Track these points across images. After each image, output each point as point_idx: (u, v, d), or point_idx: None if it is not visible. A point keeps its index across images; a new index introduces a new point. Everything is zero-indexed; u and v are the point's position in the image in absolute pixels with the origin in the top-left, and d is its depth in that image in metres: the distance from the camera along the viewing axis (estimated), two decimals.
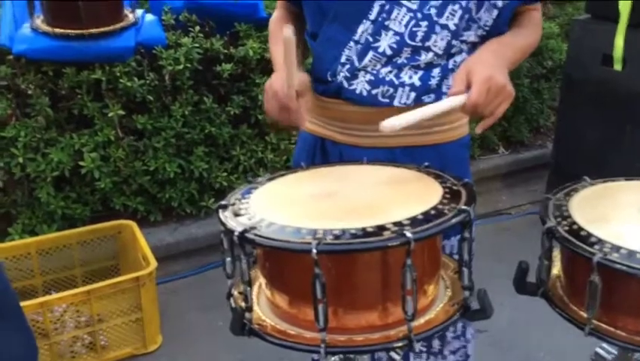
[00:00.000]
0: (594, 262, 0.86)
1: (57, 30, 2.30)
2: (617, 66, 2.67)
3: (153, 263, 2.20)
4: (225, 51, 2.71)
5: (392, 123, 0.99)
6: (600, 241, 0.89)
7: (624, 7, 2.58)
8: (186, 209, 2.79)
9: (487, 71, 1.05)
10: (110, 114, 2.51)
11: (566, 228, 0.94)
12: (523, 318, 2.24)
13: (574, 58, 2.95)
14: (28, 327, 1.38)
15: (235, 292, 0.96)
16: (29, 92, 2.45)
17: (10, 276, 2.21)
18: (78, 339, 2.14)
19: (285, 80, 1.11)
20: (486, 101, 1.04)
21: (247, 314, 0.90)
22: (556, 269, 1.03)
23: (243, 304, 0.91)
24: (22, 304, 1.64)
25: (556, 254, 1.02)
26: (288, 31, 1.04)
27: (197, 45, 2.62)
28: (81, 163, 2.49)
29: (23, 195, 2.52)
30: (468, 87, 1.05)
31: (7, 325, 1.27)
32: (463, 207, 0.88)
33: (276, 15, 1.39)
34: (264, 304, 0.95)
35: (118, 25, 2.39)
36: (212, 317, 2.34)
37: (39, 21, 2.35)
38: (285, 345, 0.87)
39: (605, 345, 1.09)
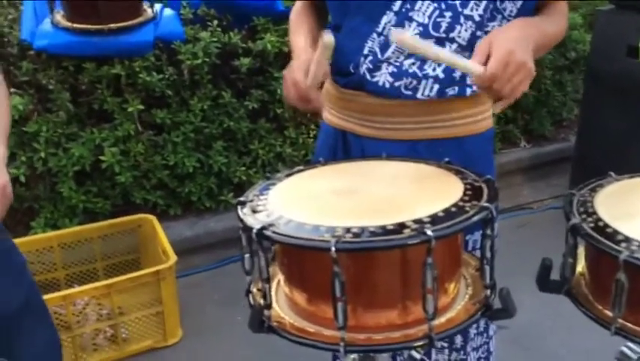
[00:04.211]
0: (621, 260, 0.83)
1: (77, 25, 2.32)
2: None
3: (173, 257, 2.21)
4: (243, 45, 2.70)
5: (401, 36, 0.96)
6: (627, 239, 0.86)
7: None
8: (205, 203, 2.80)
9: (509, 44, 0.99)
10: (130, 109, 2.53)
11: (592, 225, 0.91)
12: (545, 315, 2.21)
13: (598, 49, 2.88)
14: (52, 322, 1.40)
15: (254, 289, 0.95)
16: (50, 87, 2.47)
17: (33, 269, 2.25)
18: (100, 332, 2.17)
19: (307, 72, 1.10)
20: (504, 76, 0.98)
21: (266, 311, 0.90)
22: (581, 267, 1.01)
23: (261, 301, 0.90)
24: (45, 297, 1.67)
25: (581, 251, 1.00)
26: (329, 36, 1.05)
27: (215, 39, 2.62)
28: (101, 158, 2.51)
29: (45, 189, 2.55)
30: (488, 59, 0.99)
31: (32, 319, 1.29)
32: (485, 204, 0.86)
33: (298, 5, 1.38)
34: (283, 302, 0.95)
35: (137, 20, 2.40)
36: (231, 311, 2.35)
37: (59, 16, 2.37)
38: (304, 343, 0.86)
39: (630, 344, 1.06)
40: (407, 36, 0.97)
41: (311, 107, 1.14)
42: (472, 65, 1.00)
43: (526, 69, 1.00)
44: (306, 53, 1.19)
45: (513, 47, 0.99)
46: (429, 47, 0.98)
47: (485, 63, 0.99)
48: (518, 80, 0.99)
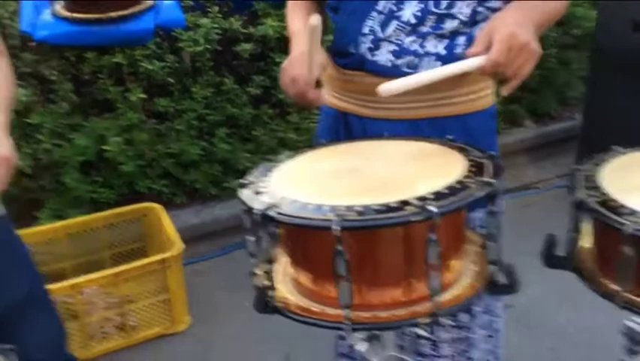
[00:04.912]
0: (626, 233, 0.83)
1: (77, 15, 2.30)
2: None
3: (179, 245, 2.22)
4: (244, 31, 2.69)
5: (389, 87, 0.96)
6: (633, 212, 0.85)
7: None
8: (210, 191, 2.80)
9: (509, 28, 0.98)
10: (132, 98, 2.52)
11: (597, 199, 0.90)
12: (550, 293, 2.21)
13: (603, 26, 2.84)
14: (56, 312, 1.41)
15: (258, 271, 0.95)
16: (52, 78, 2.47)
17: (40, 260, 2.25)
18: (108, 320, 2.18)
19: (305, 66, 1.09)
20: (507, 60, 0.97)
21: (270, 292, 0.90)
22: (586, 242, 1.00)
23: (266, 282, 0.90)
24: (53, 286, 1.68)
25: (586, 226, 0.99)
26: (315, 19, 1.03)
27: (216, 25, 2.61)
28: (105, 147, 2.51)
29: (50, 180, 2.56)
30: (489, 47, 0.99)
31: (35, 309, 1.29)
32: (489, 179, 0.86)
33: None
34: (287, 282, 0.95)
35: (137, 9, 2.37)
36: (238, 297, 2.36)
37: (59, 6, 2.36)
38: (309, 322, 0.86)
39: (636, 318, 1.06)
40: (395, 83, 0.97)
41: (310, 103, 1.13)
42: (471, 62, 1.00)
43: (530, 50, 0.99)
44: (304, 41, 1.16)
45: (514, 29, 0.98)
46: (422, 76, 0.98)
47: (485, 51, 0.98)
48: (521, 61, 0.98)
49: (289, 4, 1.35)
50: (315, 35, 1.06)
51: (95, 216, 2.46)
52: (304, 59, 1.11)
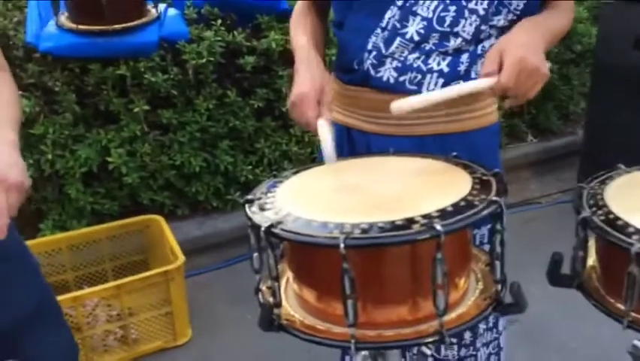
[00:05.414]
0: (633, 253, 0.82)
1: (81, 27, 2.32)
2: None
3: (181, 257, 2.22)
4: (248, 44, 2.70)
5: (400, 105, 0.97)
6: (638, 231, 0.85)
7: None
8: (213, 203, 2.80)
9: (520, 51, 1.00)
10: (136, 110, 2.53)
11: (602, 217, 0.90)
12: (555, 309, 2.20)
13: (604, 42, 2.86)
14: (67, 325, 1.40)
15: (263, 287, 0.95)
16: (56, 89, 2.48)
17: (43, 271, 2.25)
18: (110, 333, 2.17)
19: (314, 107, 1.11)
20: (517, 84, 1.00)
21: (275, 310, 0.89)
22: (592, 260, 1.00)
23: (271, 299, 0.90)
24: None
25: (592, 244, 0.99)
26: (324, 124, 1.09)
27: (219, 38, 2.62)
28: (108, 159, 2.52)
29: (53, 191, 2.56)
30: (500, 68, 1.01)
31: (45, 323, 1.28)
32: (494, 198, 0.86)
33: (299, 4, 1.37)
34: (292, 299, 0.94)
35: (141, 21, 2.39)
36: (240, 309, 2.35)
37: (64, 18, 2.37)
38: (315, 341, 0.86)
39: None
40: (407, 101, 0.98)
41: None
42: (482, 83, 1.01)
43: (540, 74, 1.01)
44: (309, 64, 1.17)
45: (524, 53, 1.00)
46: (434, 95, 1.00)
47: (498, 71, 1.00)
48: (531, 84, 1.01)
49: (292, 19, 1.36)
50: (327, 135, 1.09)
51: (98, 228, 2.46)
52: (313, 96, 1.11)
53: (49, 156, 2.45)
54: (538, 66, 1.00)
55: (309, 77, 1.13)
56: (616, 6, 2.79)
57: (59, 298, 1.99)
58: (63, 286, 2.39)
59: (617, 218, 0.89)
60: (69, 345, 1.36)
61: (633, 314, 0.88)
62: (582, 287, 0.97)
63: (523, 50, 1.01)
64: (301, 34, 1.29)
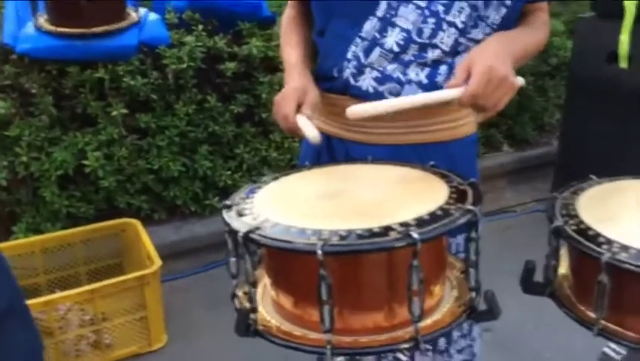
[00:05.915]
0: (602, 262, 0.85)
1: (60, 29, 2.29)
2: (623, 64, 2.65)
3: (157, 262, 2.20)
4: (229, 50, 2.70)
5: (356, 110, 0.98)
6: (608, 241, 0.88)
7: (630, 4, 2.56)
8: (190, 207, 2.79)
9: (489, 61, 1.01)
10: (114, 113, 2.51)
11: (574, 227, 0.92)
12: (528, 317, 2.23)
13: (579, 55, 2.93)
14: (34, 325, 1.39)
15: (240, 293, 0.95)
16: (33, 91, 2.45)
17: (15, 274, 2.21)
18: (83, 338, 2.14)
19: (296, 104, 1.14)
20: (485, 93, 0.99)
21: (252, 315, 0.90)
22: (564, 269, 1.02)
23: (247, 304, 0.90)
24: (27, 302, 1.64)
25: (564, 253, 1.01)
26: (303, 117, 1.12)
27: (200, 44, 2.62)
28: (85, 162, 2.49)
29: (27, 194, 2.52)
30: (468, 79, 1.01)
31: (14, 322, 1.27)
32: (470, 207, 0.87)
33: (287, 14, 1.39)
34: (269, 305, 0.95)
35: (121, 24, 2.37)
36: (216, 315, 2.34)
37: (42, 20, 2.35)
38: (290, 346, 0.86)
39: (613, 345, 1.08)
40: (363, 107, 0.99)
41: (300, 136, 1.16)
42: (448, 93, 1.02)
43: (508, 83, 1.01)
44: (298, 75, 1.22)
45: (493, 62, 1.01)
46: (392, 102, 1.01)
47: (467, 81, 1.01)
48: (499, 94, 1.01)
49: (282, 31, 1.37)
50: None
51: (72, 231, 2.43)
52: (296, 95, 1.14)
53: (24, 159, 2.41)
54: (507, 75, 1.00)
55: (294, 82, 1.19)
56: (591, 21, 2.86)
57: (31, 301, 1.97)
58: (35, 289, 2.35)
59: (589, 228, 0.92)
60: (36, 345, 1.35)
61: (603, 322, 0.90)
62: (554, 295, 0.99)
63: (492, 60, 1.01)
64: (290, 47, 1.31)
